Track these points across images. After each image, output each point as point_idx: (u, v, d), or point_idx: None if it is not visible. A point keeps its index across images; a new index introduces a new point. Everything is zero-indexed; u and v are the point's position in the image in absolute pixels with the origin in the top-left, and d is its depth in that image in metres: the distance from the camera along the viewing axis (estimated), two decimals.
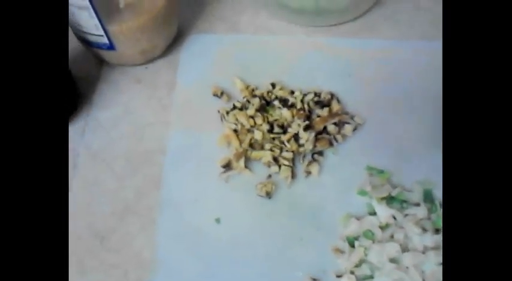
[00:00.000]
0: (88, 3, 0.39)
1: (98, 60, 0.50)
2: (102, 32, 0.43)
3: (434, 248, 0.36)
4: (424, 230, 0.37)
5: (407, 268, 0.36)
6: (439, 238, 0.37)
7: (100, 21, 0.41)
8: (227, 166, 0.42)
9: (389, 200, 0.39)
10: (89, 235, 0.40)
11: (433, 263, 0.35)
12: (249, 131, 0.43)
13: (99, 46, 0.46)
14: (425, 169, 0.42)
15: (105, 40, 0.44)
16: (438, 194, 0.41)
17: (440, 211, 0.39)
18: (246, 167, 0.42)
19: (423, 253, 0.36)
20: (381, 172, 0.42)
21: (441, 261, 0.35)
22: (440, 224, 0.38)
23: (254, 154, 0.42)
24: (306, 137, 0.42)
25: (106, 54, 0.47)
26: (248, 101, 0.45)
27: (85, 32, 0.44)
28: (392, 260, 0.36)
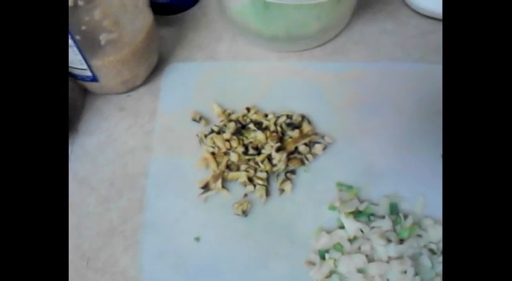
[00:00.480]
0: (73, 42, 0.42)
1: (83, 90, 0.53)
2: (86, 66, 0.46)
3: (398, 258, 0.39)
4: (389, 241, 0.40)
5: (373, 277, 0.38)
6: (402, 248, 0.39)
7: (84, 57, 0.44)
8: (205, 187, 0.45)
9: (357, 214, 0.42)
10: (76, 256, 0.43)
11: (397, 272, 0.38)
12: (225, 153, 0.46)
13: (83, 78, 0.48)
14: (392, 184, 0.45)
15: (88, 73, 0.47)
16: (403, 207, 0.44)
17: (404, 223, 0.41)
18: (223, 187, 0.45)
19: (387, 262, 0.39)
20: (350, 187, 0.45)
21: (404, 269, 0.38)
22: (404, 235, 0.40)
23: (231, 175, 0.45)
24: (279, 158, 0.45)
25: (90, 85, 0.50)
26: (225, 125, 0.48)
27: (70, 66, 0.47)
28: (360, 271, 0.39)
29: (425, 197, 0.44)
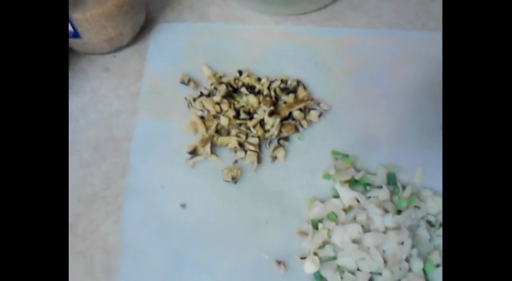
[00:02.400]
0: None
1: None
2: None
3: (395, 228, 0.37)
4: (386, 211, 0.38)
5: (368, 248, 0.36)
6: (400, 218, 0.37)
7: None
8: (193, 152, 0.42)
9: (353, 183, 0.40)
10: None
11: (394, 243, 0.36)
12: (215, 117, 0.43)
13: None
14: (390, 154, 0.43)
15: (69, 28, 0.44)
16: (401, 177, 0.42)
17: (402, 193, 0.39)
18: (212, 152, 0.42)
19: (384, 233, 0.37)
20: (346, 156, 0.43)
21: (401, 240, 0.36)
22: (402, 206, 0.38)
23: (220, 139, 0.43)
24: (272, 123, 0.42)
25: (72, 43, 0.47)
26: (215, 88, 0.45)
27: None
28: (355, 241, 0.37)
29: (424, 168, 0.42)
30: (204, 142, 0.42)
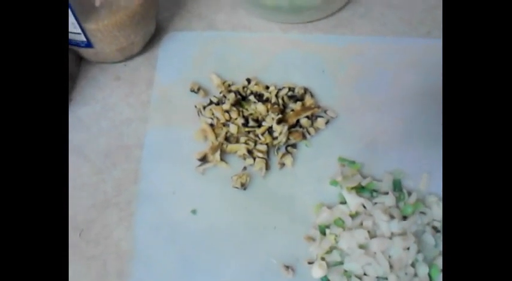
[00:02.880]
0: None
1: (77, 58, 0.51)
2: (79, 30, 0.44)
3: (401, 234, 0.38)
4: (392, 217, 0.38)
5: (375, 253, 0.37)
6: (405, 224, 0.38)
7: (77, 19, 0.42)
8: (203, 159, 0.43)
9: (359, 189, 0.41)
10: (69, 228, 0.41)
11: (400, 248, 0.37)
12: (224, 125, 0.44)
13: (78, 44, 0.46)
14: (396, 161, 0.44)
15: (82, 38, 0.45)
16: (407, 183, 0.42)
17: (407, 199, 0.40)
18: (221, 159, 0.43)
19: (390, 238, 0.37)
20: (353, 163, 0.43)
21: (407, 246, 0.37)
22: (407, 212, 0.39)
23: (230, 147, 0.43)
24: (280, 130, 0.43)
25: (84, 52, 0.48)
26: (224, 96, 0.46)
27: None
28: (361, 246, 0.38)
29: (430, 174, 0.43)
30: (213, 149, 0.43)
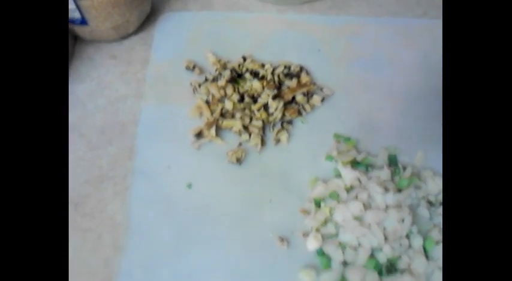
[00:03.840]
0: None
1: (73, 37, 0.51)
2: (74, 6, 0.44)
3: (396, 206, 0.38)
4: (387, 190, 0.38)
5: (369, 225, 0.37)
6: (400, 197, 0.38)
7: None
8: (199, 135, 0.43)
9: (355, 164, 0.41)
10: None
11: (394, 220, 0.37)
12: (220, 101, 0.44)
13: (73, 21, 0.46)
14: (391, 137, 0.44)
15: (77, 15, 0.45)
16: (402, 159, 0.42)
17: (402, 174, 0.40)
18: (217, 135, 0.43)
19: (385, 211, 0.37)
20: (348, 139, 0.43)
21: (402, 218, 0.37)
22: (402, 185, 0.39)
23: (225, 122, 0.43)
24: (275, 106, 0.43)
25: (79, 30, 0.48)
26: (220, 74, 0.46)
27: None
28: (356, 218, 0.38)
29: (425, 151, 0.43)
30: (209, 124, 0.43)
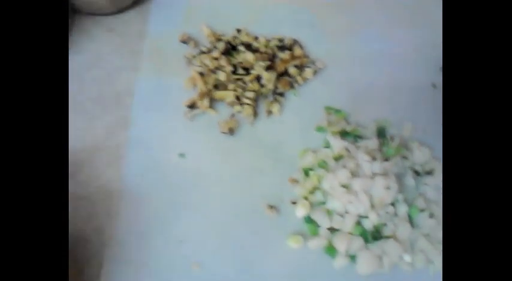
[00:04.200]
0: None
1: (71, 10, 0.51)
2: None
3: (382, 174, 0.38)
4: (374, 158, 0.39)
5: (356, 192, 0.38)
6: (387, 165, 0.39)
7: None
8: (192, 106, 0.44)
9: (344, 134, 0.42)
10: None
11: (381, 188, 0.38)
12: (213, 72, 0.45)
13: None
14: (381, 110, 0.45)
15: None
16: (391, 131, 0.43)
17: (391, 144, 0.41)
18: (210, 107, 0.44)
19: (372, 178, 0.38)
20: (338, 111, 0.44)
21: (388, 185, 0.38)
22: (389, 154, 0.40)
23: (218, 93, 0.44)
24: (268, 77, 0.44)
25: (77, 1, 0.49)
26: (214, 46, 0.47)
27: None
28: (344, 186, 0.38)
29: (414, 123, 0.44)
30: (202, 95, 0.44)
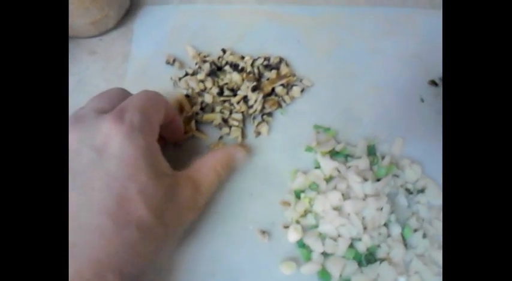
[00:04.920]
0: None
1: None
2: None
3: (374, 195, 0.38)
4: (365, 179, 0.39)
5: (349, 214, 0.38)
6: (379, 185, 0.38)
7: None
8: None
9: (334, 154, 0.41)
10: None
11: (373, 209, 0.37)
12: (199, 95, 0.44)
13: None
14: (371, 126, 0.44)
15: None
16: (381, 148, 0.43)
17: (381, 162, 0.41)
18: (197, 129, 0.43)
19: (363, 200, 0.38)
20: (328, 129, 0.44)
21: (380, 206, 0.37)
22: (381, 174, 0.40)
23: (205, 116, 0.44)
24: (255, 98, 0.43)
25: None
26: (199, 68, 0.46)
27: None
28: (335, 208, 0.38)
29: (404, 139, 0.43)
30: (189, 119, 0.43)
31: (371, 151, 0.42)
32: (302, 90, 0.45)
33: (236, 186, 0.41)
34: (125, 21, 0.52)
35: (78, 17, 0.46)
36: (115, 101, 0.35)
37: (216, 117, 0.43)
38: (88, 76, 0.48)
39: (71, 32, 0.49)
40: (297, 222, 0.39)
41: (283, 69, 0.46)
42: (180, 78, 0.46)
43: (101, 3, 0.46)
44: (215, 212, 0.40)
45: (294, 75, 0.46)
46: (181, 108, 0.45)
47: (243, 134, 0.43)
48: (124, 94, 0.37)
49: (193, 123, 0.43)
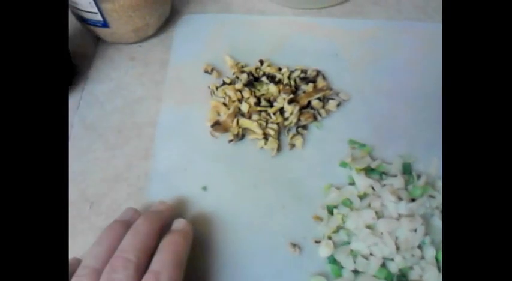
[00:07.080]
0: None
1: (95, 38, 0.52)
2: (96, 10, 0.45)
3: (408, 215, 0.37)
4: (400, 198, 0.38)
5: (381, 233, 0.37)
6: (413, 206, 0.38)
7: None
8: (216, 124, 0.44)
9: (369, 171, 0.41)
10: (80, 200, 0.42)
11: (407, 230, 0.37)
12: (236, 102, 0.45)
13: (94, 24, 0.47)
14: (407, 144, 0.44)
15: (99, 17, 0.46)
16: (417, 167, 0.42)
17: (417, 182, 0.40)
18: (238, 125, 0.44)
19: (397, 220, 0.37)
20: (363, 145, 0.43)
21: (414, 228, 0.37)
22: (416, 194, 0.39)
23: (242, 121, 0.43)
24: (291, 110, 0.43)
25: (101, 32, 0.49)
26: (237, 77, 0.46)
27: (81, 10, 0.46)
28: (368, 226, 0.37)
29: (441, 159, 0.42)
30: (231, 116, 0.43)
31: (407, 170, 0.41)
32: (338, 105, 0.45)
33: (268, 198, 0.41)
34: (164, 29, 0.53)
35: (121, 25, 0.47)
36: (116, 244, 0.34)
37: (253, 125, 0.43)
38: (126, 81, 0.49)
39: (112, 39, 0.50)
40: (329, 238, 0.38)
41: (320, 83, 0.46)
42: (217, 88, 0.46)
43: (143, 12, 0.47)
44: (246, 224, 0.40)
45: (330, 88, 0.46)
46: (218, 114, 0.45)
47: (278, 146, 0.43)
48: (129, 225, 0.35)
49: (235, 120, 0.43)
